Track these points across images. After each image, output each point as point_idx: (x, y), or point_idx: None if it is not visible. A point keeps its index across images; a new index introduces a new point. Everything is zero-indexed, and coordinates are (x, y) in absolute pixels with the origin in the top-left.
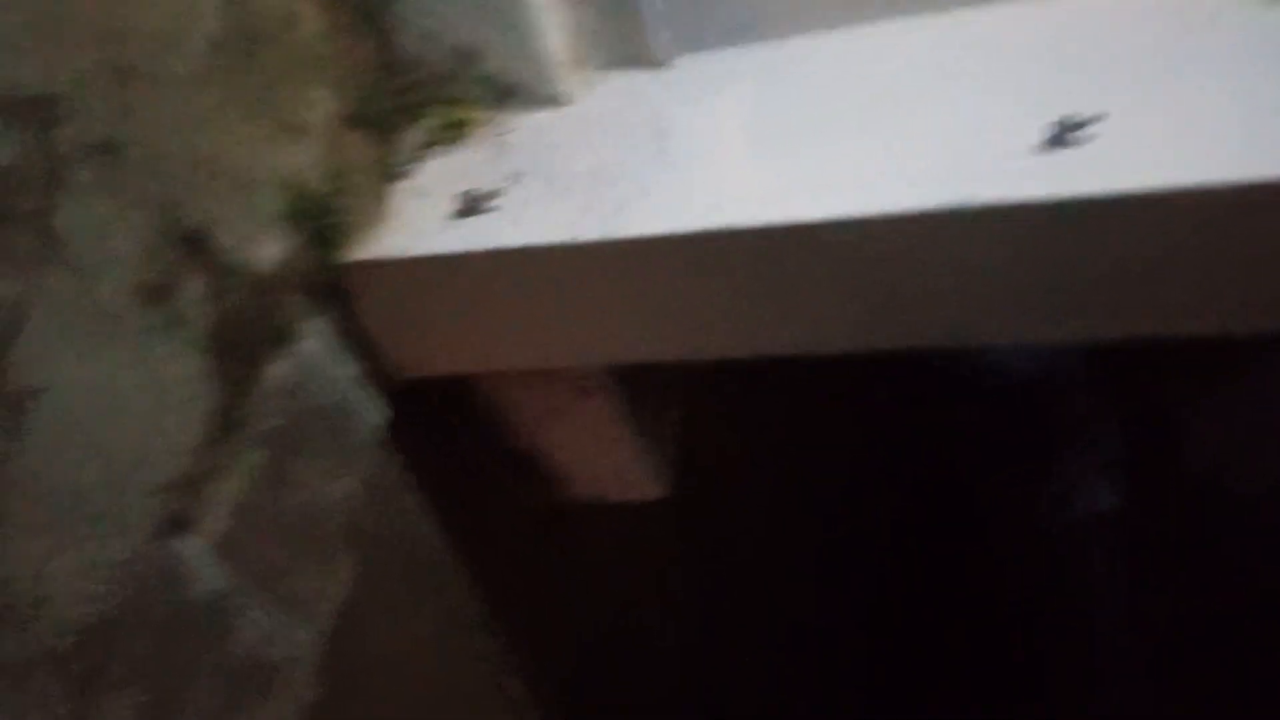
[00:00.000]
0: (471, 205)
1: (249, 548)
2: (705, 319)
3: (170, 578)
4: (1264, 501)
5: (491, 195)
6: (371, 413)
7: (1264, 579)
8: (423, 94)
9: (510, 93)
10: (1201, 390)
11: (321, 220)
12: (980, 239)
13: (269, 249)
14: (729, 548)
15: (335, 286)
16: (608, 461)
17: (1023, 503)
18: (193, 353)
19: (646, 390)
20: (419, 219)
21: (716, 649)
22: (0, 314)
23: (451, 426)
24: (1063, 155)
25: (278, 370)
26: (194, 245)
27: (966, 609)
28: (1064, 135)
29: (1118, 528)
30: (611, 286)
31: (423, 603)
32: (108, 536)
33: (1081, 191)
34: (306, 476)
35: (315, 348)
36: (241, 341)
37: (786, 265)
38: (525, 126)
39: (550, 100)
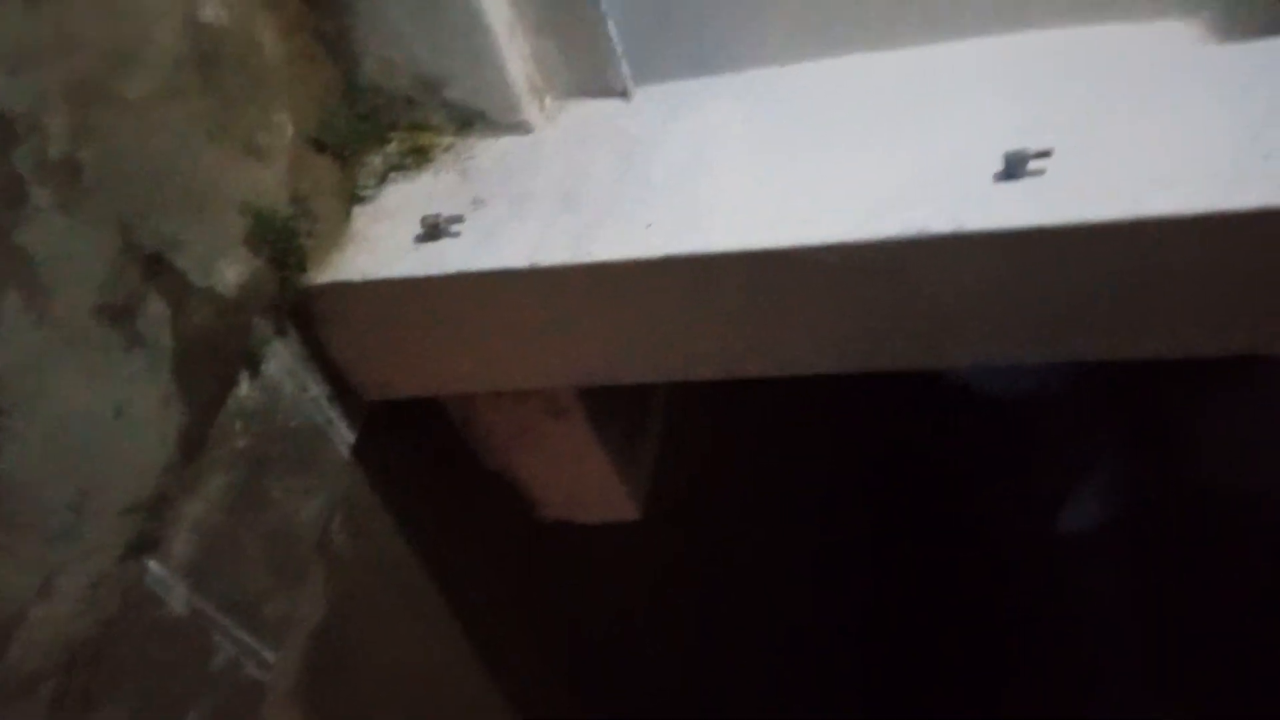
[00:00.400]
0: (435, 229)
1: (217, 571)
2: (670, 342)
3: (140, 600)
4: (1262, 505)
5: (455, 220)
6: (340, 434)
7: (1264, 582)
8: (385, 119)
9: (473, 120)
10: (1197, 399)
11: (284, 243)
12: (938, 265)
13: (230, 271)
14: (714, 564)
15: (300, 309)
16: (580, 482)
17: (1016, 513)
18: (156, 374)
19: (620, 411)
20: (382, 243)
21: (700, 662)
22: None
23: (424, 447)
24: (1015, 187)
25: (243, 392)
26: (155, 266)
27: (959, 622)
28: (1016, 168)
29: (1112, 537)
30: (576, 310)
31: (399, 624)
32: (76, 558)
33: (1024, 223)
34: (276, 497)
35: (280, 370)
36: (205, 363)
37: (754, 290)
38: (488, 153)
39: (513, 127)
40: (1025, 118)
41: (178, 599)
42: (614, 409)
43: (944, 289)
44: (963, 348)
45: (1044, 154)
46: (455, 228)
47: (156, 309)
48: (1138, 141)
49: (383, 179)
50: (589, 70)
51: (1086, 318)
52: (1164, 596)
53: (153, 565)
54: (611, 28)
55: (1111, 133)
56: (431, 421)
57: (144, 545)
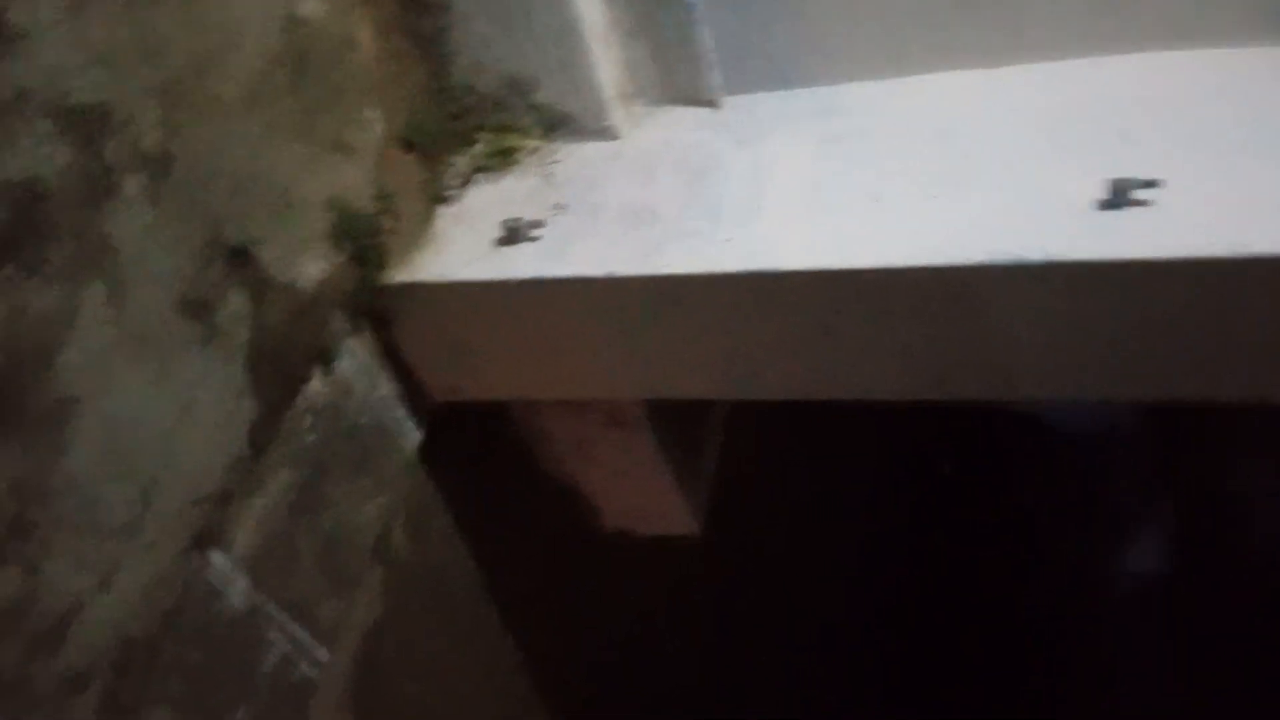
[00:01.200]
0: (514, 234)
1: (277, 567)
2: (741, 360)
3: (198, 596)
4: None
5: (535, 225)
6: (407, 434)
7: None
8: (473, 120)
9: (560, 123)
10: (1262, 460)
11: (365, 240)
12: (1027, 295)
13: (312, 267)
14: (764, 586)
15: (375, 307)
16: (639, 494)
17: (1067, 556)
18: (231, 368)
19: (682, 425)
20: (462, 244)
21: (742, 686)
22: (45, 325)
23: (485, 452)
24: (1117, 217)
25: (315, 388)
26: (238, 261)
27: (999, 659)
28: (1120, 198)
29: (1162, 591)
30: (648, 322)
31: (451, 628)
32: (138, 552)
33: (1129, 255)
34: (338, 496)
35: (353, 367)
36: (280, 359)
37: (830, 311)
38: (573, 157)
39: (599, 133)
40: (1128, 144)
41: (237, 593)
42: (677, 423)
43: (1029, 320)
44: (1040, 383)
45: (1151, 184)
46: (535, 232)
47: (237, 303)
48: (1246, 176)
49: (467, 180)
50: (680, 79)
51: (1179, 356)
52: (1203, 652)
53: (215, 558)
54: (705, 37)
55: (1219, 165)
56: (495, 426)
57: (208, 538)
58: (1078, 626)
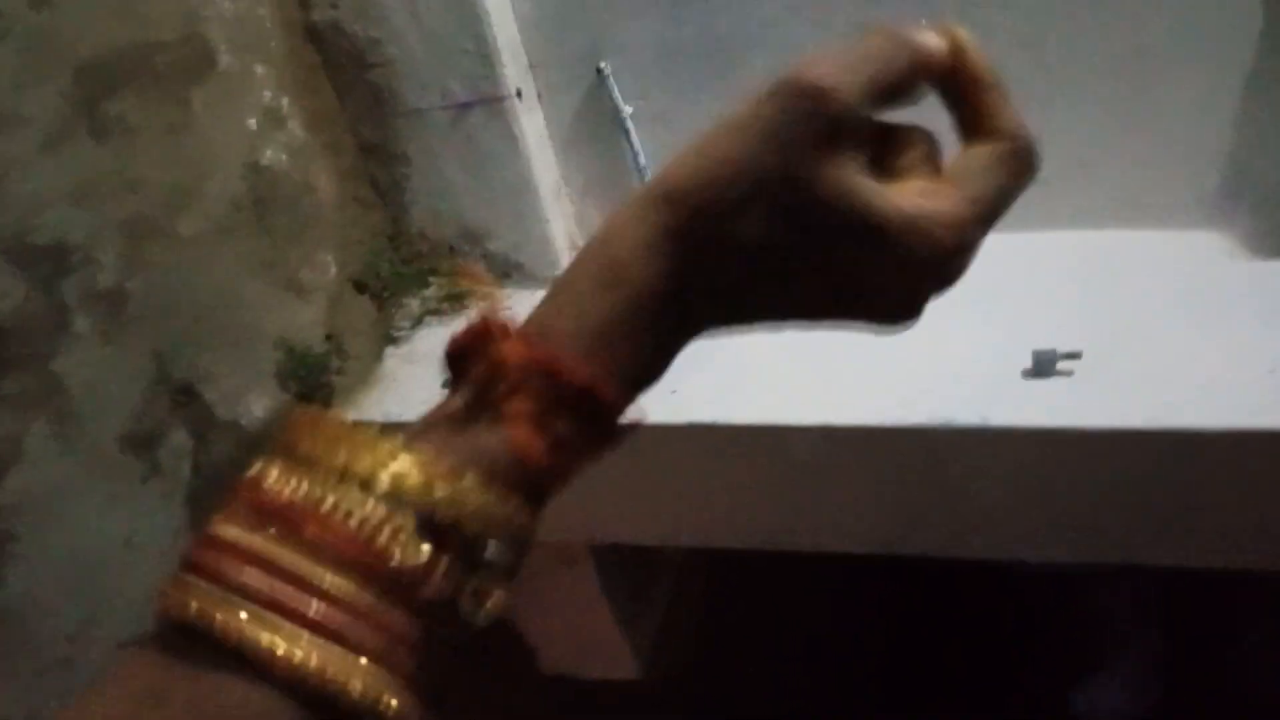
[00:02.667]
0: None
1: None
2: (688, 509)
3: None
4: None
5: None
6: None
7: None
8: (427, 265)
9: (512, 271)
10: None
11: (314, 379)
12: (964, 457)
13: (256, 405)
14: None
15: None
16: (583, 635)
17: (1047, 699)
18: (170, 506)
19: (631, 566)
20: (410, 385)
21: None
22: None
23: None
24: (1043, 385)
25: None
26: (183, 397)
27: None
28: (1045, 368)
29: None
30: (596, 468)
31: None
32: (72, 690)
33: (1046, 423)
34: None
35: None
36: (221, 495)
37: (778, 466)
38: (524, 304)
39: (550, 281)
40: (1057, 317)
41: None
42: (623, 564)
43: (970, 480)
44: (988, 542)
45: (1073, 355)
46: None
47: (179, 440)
48: (1165, 352)
49: (418, 322)
50: None
51: (1109, 519)
52: None
53: None
54: None
55: (1141, 341)
56: None
57: None
58: None
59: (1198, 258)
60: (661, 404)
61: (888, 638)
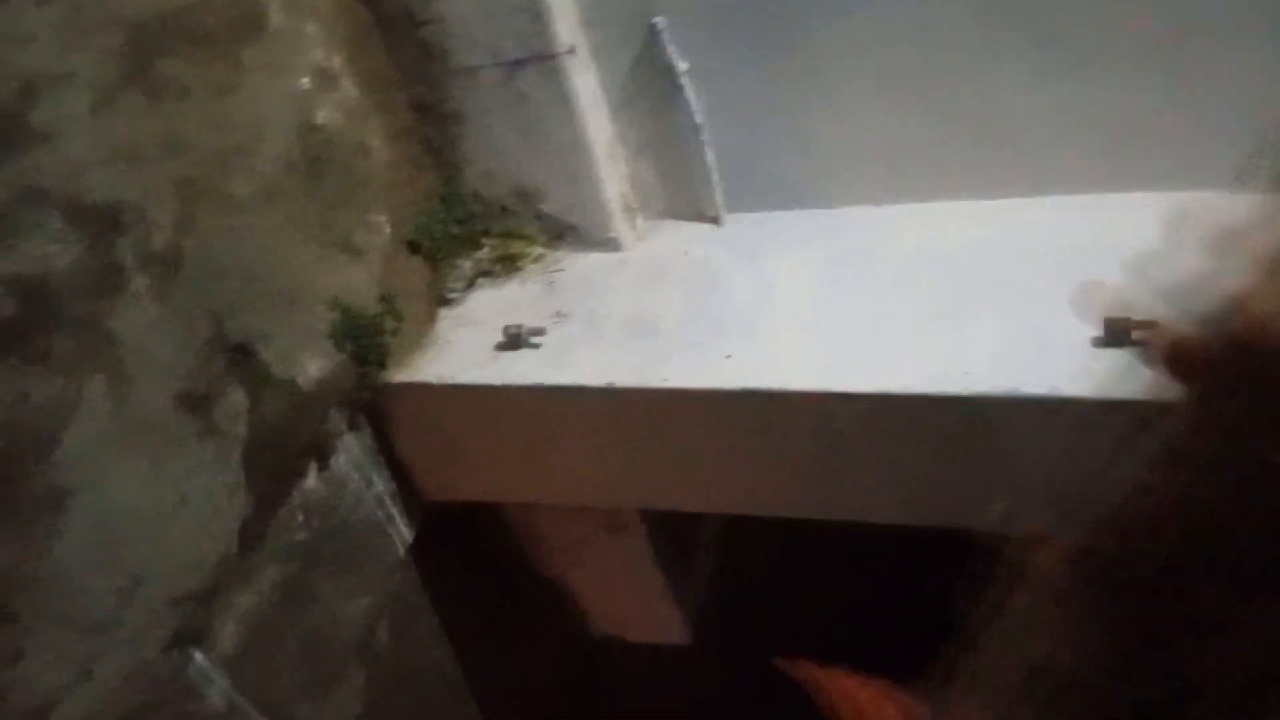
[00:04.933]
0: (515, 339)
1: (258, 666)
2: (739, 476)
3: (180, 691)
4: None
5: (536, 332)
6: (398, 533)
7: None
8: (479, 226)
9: (565, 233)
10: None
11: (367, 340)
12: (1025, 428)
13: (312, 365)
14: (755, 699)
15: (373, 405)
16: (632, 600)
17: None
18: (226, 464)
19: (678, 532)
20: (463, 347)
21: None
22: (46, 413)
23: (475, 552)
24: (1115, 356)
25: (309, 485)
26: (239, 357)
27: None
28: (1118, 338)
29: None
30: (646, 434)
31: None
32: (118, 646)
33: (1123, 395)
34: (324, 594)
35: (348, 464)
36: (275, 455)
37: (829, 434)
38: (576, 266)
39: (603, 244)
40: (1125, 282)
41: (217, 692)
42: (673, 530)
43: (1029, 454)
44: (1041, 518)
45: (1146, 324)
46: (536, 339)
47: (235, 399)
48: None
49: (471, 284)
50: (684, 196)
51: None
52: None
53: (197, 656)
54: (710, 157)
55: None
56: (486, 527)
57: (191, 636)
58: None
59: None
60: (715, 370)
61: (933, 609)
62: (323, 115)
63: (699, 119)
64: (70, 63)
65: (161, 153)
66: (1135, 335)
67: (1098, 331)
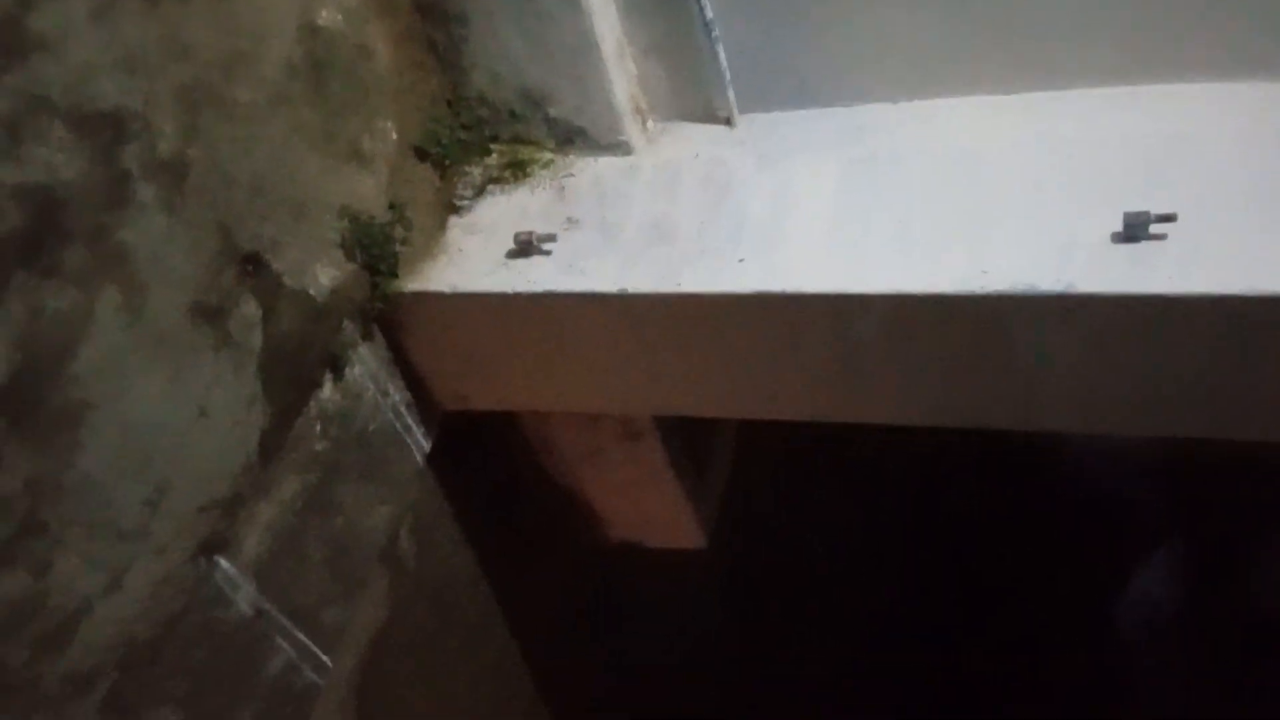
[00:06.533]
0: (527, 247)
1: (284, 573)
2: (759, 380)
3: (208, 598)
4: None
5: (547, 239)
6: (415, 442)
7: None
8: (487, 131)
9: (575, 137)
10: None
11: (378, 249)
12: (1043, 326)
13: (324, 275)
14: (769, 601)
15: (386, 315)
16: (648, 506)
17: (1068, 598)
18: (243, 374)
19: (693, 438)
20: (475, 255)
21: (747, 698)
22: (61, 326)
23: (493, 461)
24: (1133, 251)
25: (325, 395)
26: (251, 268)
27: (1009, 684)
28: (1136, 232)
29: (1161, 639)
30: (661, 340)
31: (456, 635)
32: (146, 554)
33: (1140, 289)
34: (346, 503)
35: (364, 375)
36: (291, 365)
37: (849, 336)
38: (587, 172)
39: (614, 148)
40: (1144, 178)
41: (244, 599)
42: (688, 436)
43: (1047, 350)
44: (1058, 414)
45: (1167, 218)
46: (547, 246)
47: (249, 310)
48: (1262, 214)
49: (480, 191)
50: (695, 96)
51: (1192, 392)
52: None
53: (223, 563)
54: (722, 55)
55: (1236, 202)
56: (504, 435)
57: (216, 544)
58: (1086, 656)
59: None
60: (730, 275)
61: (946, 514)
62: (324, 16)
63: (710, 14)
64: None
65: (163, 59)
66: (1154, 230)
67: (1117, 227)
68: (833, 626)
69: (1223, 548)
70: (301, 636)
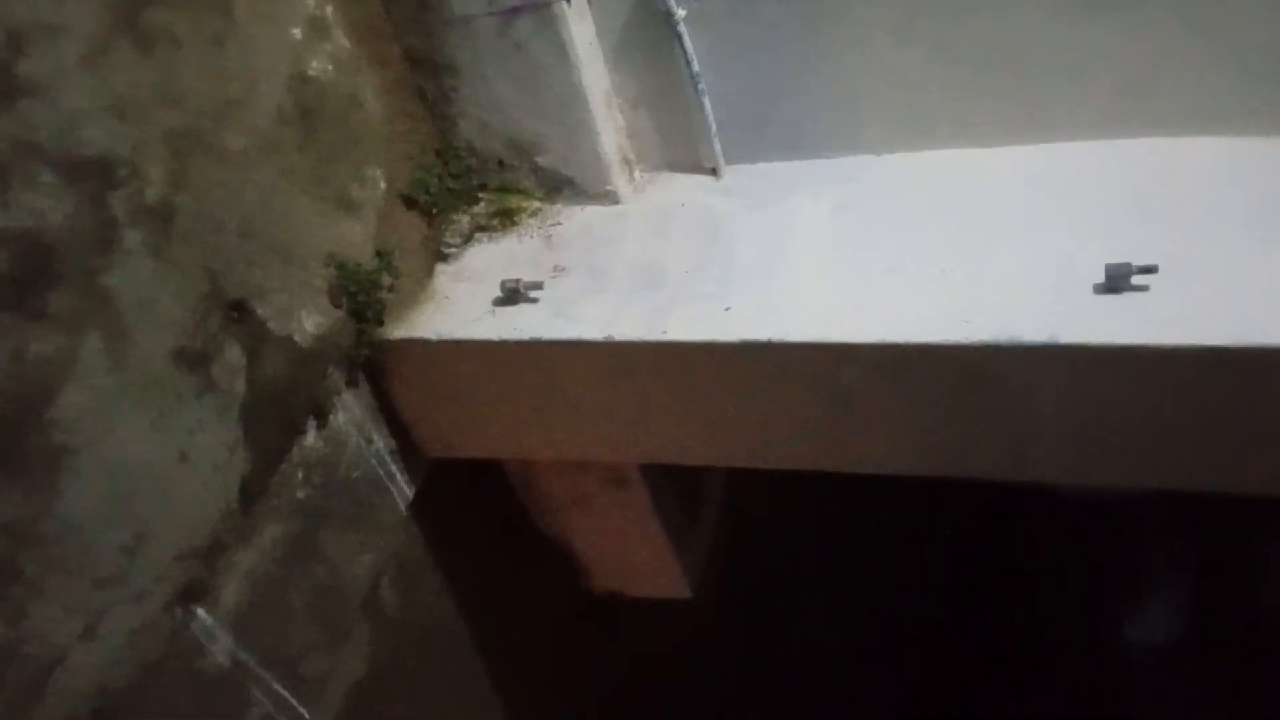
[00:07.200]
0: (514, 294)
1: (263, 623)
2: (749, 429)
3: (184, 648)
4: None
5: (534, 286)
6: (399, 489)
7: None
8: (476, 180)
9: (562, 186)
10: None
11: (364, 296)
12: (1029, 376)
13: (309, 322)
14: (759, 653)
15: (372, 362)
16: (634, 554)
17: (1080, 622)
18: (225, 420)
19: (681, 487)
20: (461, 303)
21: None
22: (41, 372)
23: (478, 508)
24: (1115, 301)
25: (309, 442)
26: (236, 313)
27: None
28: (1118, 283)
29: (1174, 656)
30: (648, 387)
31: (439, 685)
32: (123, 602)
33: (1124, 340)
34: (328, 551)
35: (348, 421)
36: (275, 411)
37: (838, 384)
38: (574, 220)
39: (601, 197)
40: (1129, 229)
41: (221, 649)
42: (675, 484)
43: (1033, 401)
44: (1047, 464)
45: (1148, 269)
46: (534, 294)
47: (233, 356)
48: (1247, 265)
49: (468, 239)
50: (682, 147)
51: (1179, 444)
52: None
53: (201, 613)
54: (708, 107)
55: (1222, 253)
56: (488, 482)
57: (194, 592)
58: (1092, 692)
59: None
60: (714, 322)
61: (938, 559)
62: (315, 66)
63: (697, 67)
64: (58, 12)
65: (154, 105)
66: (1135, 281)
67: (1099, 278)
68: (824, 674)
69: (1223, 548)
70: (279, 689)
